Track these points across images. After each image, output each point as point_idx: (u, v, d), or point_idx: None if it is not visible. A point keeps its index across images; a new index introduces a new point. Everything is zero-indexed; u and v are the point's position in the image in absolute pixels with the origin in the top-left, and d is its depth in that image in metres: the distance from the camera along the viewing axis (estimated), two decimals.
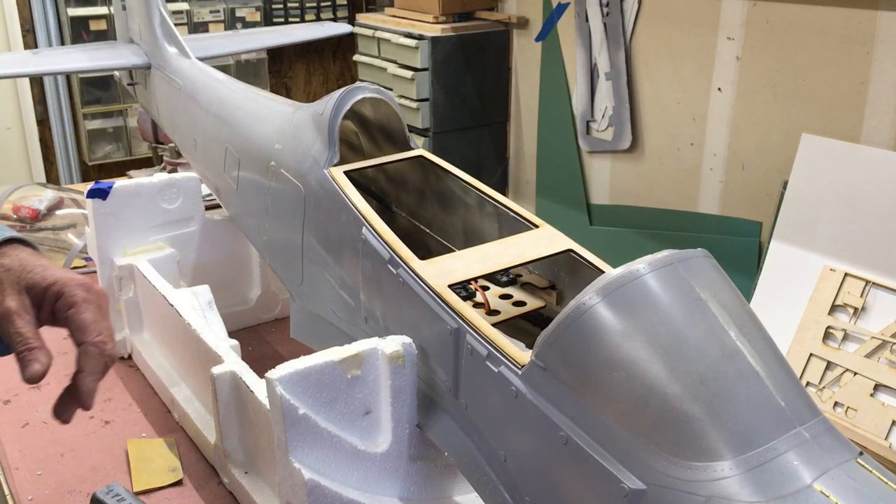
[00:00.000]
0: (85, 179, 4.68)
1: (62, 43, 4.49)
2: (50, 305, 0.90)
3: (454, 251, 1.09)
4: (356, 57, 4.60)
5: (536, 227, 1.10)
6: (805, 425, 0.71)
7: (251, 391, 1.15)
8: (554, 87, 4.01)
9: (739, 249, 3.26)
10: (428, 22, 4.17)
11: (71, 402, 0.90)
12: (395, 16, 4.39)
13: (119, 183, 1.56)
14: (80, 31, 4.45)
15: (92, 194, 1.54)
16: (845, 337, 2.23)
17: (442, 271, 1.00)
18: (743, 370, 0.73)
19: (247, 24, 4.88)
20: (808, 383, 2.23)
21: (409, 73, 4.13)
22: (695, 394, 0.71)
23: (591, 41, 3.72)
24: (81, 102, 4.55)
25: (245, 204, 1.49)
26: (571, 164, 3.97)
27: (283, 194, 1.31)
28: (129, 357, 1.63)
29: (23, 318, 0.88)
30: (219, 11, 4.80)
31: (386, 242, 1.05)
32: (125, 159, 4.70)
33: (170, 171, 2.14)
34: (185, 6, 4.69)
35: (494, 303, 1.10)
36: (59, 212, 2.22)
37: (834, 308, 2.29)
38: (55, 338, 1.77)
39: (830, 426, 0.73)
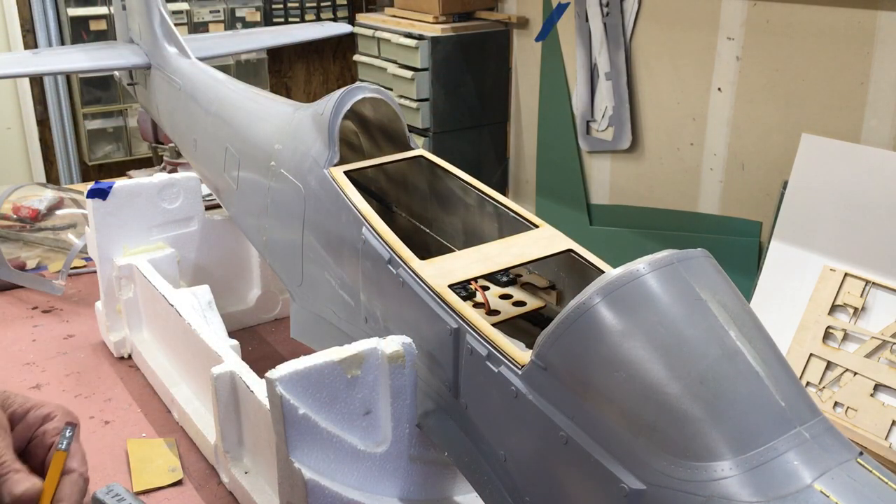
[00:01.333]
0: (85, 179, 4.68)
1: (62, 43, 4.49)
2: (31, 429, 0.84)
3: (454, 251, 1.09)
4: (356, 57, 4.60)
5: (536, 227, 1.10)
6: (805, 425, 0.71)
7: (251, 391, 1.15)
8: (554, 87, 4.01)
9: (739, 249, 3.26)
10: (428, 22, 4.17)
11: None
12: (395, 16, 4.39)
13: (119, 183, 1.56)
14: (80, 31, 4.45)
15: (92, 194, 1.54)
16: (845, 337, 2.23)
17: (442, 271, 1.00)
18: (743, 370, 0.73)
19: (247, 24, 4.88)
20: (808, 383, 2.23)
21: (409, 73, 4.13)
22: (695, 394, 0.71)
23: (591, 41, 3.72)
24: (81, 102, 4.56)
25: (245, 204, 1.49)
26: (571, 164, 3.97)
27: (283, 194, 1.31)
28: (129, 357, 1.63)
29: (3, 439, 0.81)
30: (219, 11, 4.80)
31: (386, 242, 1.05)
32: (125, 159, 4.70)
33: (170, 171, 2.15)
34: (185, 6, 4.69)
35: (494, 303, 1.10)
36: (59, 212, 2.22)
37: (834, 308, 2.29)
38: (54, 337, 1.79)
39: (830, 426, 0.73)
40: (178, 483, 1.29)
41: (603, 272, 0.97)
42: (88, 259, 1.98)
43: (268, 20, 4.94)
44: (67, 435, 0.82)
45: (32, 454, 0.83)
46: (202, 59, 1.95)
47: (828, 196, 2.50)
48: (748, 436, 0.70)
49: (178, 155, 2.49)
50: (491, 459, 0.89)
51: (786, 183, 2.65)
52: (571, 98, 3.92)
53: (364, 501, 0.99)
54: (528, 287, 1.14)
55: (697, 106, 3.36)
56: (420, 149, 1.29)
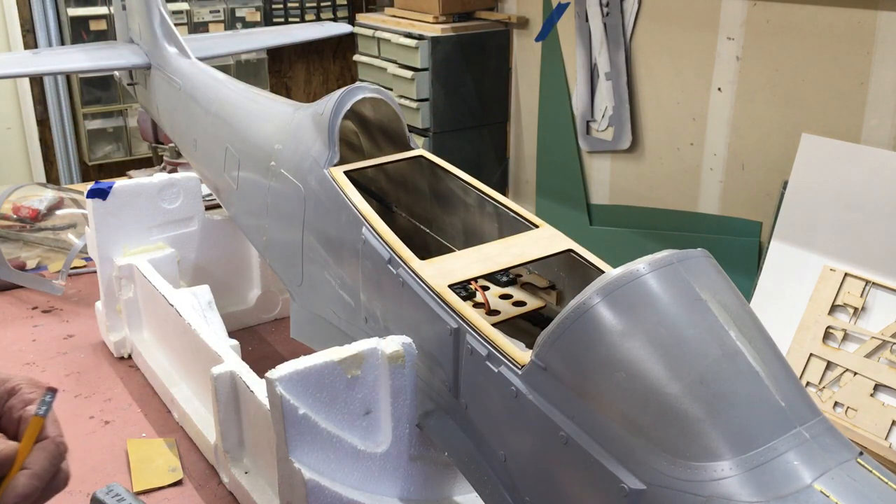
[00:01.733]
0: (85, 179, 4.68)
1: (62, 43, 4.49)
2: None
3: (454, 251, 1.09)
4: (356, 57, 4.60)
5: (536, 227, 1.10)
6: (805, 425, 0.71)
7: (251, 391, 1.15)
8: (554, 87, 4.00)
9: (739, 249, 3.26)
10: (428, 22, 4.16)
11: None
12: (395, 16, 4.39)
13: (119, 183, 1.56)
14: (80, 31, 4.45)
15: (92, 194, 1.54)
16: (845, 337, 2.23)
17: (442, 271, 1.00)
18: (743, 370, 0.73)
19: (247, 24, 4.88)
20: (808, 383, 2.23)
21: (409, 73, 4.13)
22: (695, 394, 0.71)
23: (591, 41, 3.72)
24: (81, 102, 4.55)
25: (245, 204, 1.49)
26: (571, 164, 3.97)
27: (283, 194, 1.31)
28: (129, 357, 1.63)
29: None
30: (219, 11, 4.80)
31: (386, 242, 1.05)
32: (125, 159, 4.69)
33: (170, 171, 2.14)
34: (185, 6, 4.69)
35: (494, 303, 1.10)
36: (59, 212, 2.22)
37: (834, 308, 2.29)
38: (54, 337, 1.79)
39: (830, 426, 0.73)
40: (178, 483, 1.29)
41: (603, 272, 0.97)
42: (88, 259, 1.98)
43: (268, 20, 4.94)
44: (47, 400, 0.79)
45: (2, 430, 0.80)
46: (202, 59, 1.95)
47: (828, 196, 2.50)
48: (748, 436, 0.70)
49: (178, 155, 2.49)
50: (491, 459, 0.89)
51: (786, 183, 2.65)
52: (571, 98, 3.92)
53: (364, 501, 0.99)
54: (528, 287, 1.14)
55: (697, 106, 3.36)
56: (420, 149, 1.29)
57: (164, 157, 2.57)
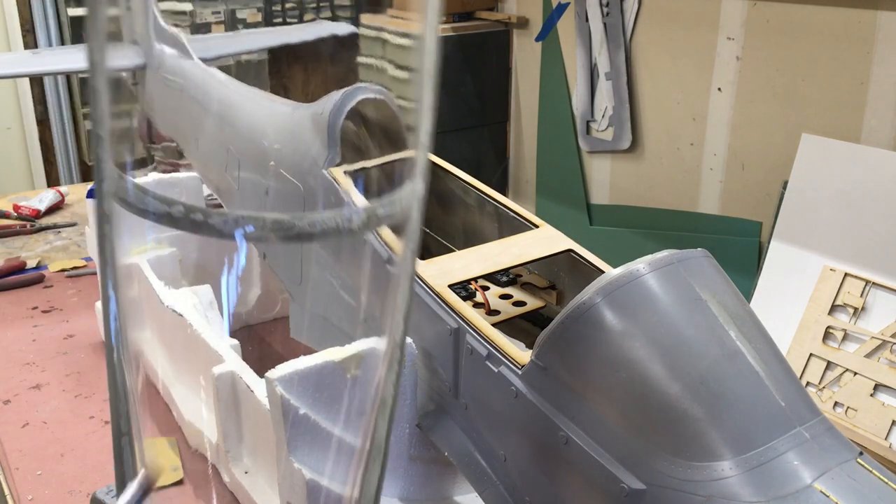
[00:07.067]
0: (85, 179, 4.68)
1: (62, 43, 4.49)
2: None
3: (454, 251, 1.09)
4: (356, 57, 4.60)
5: (536, 227, 1.10)
6: (805, 425, 0.71)
7: (251, 391, 1.15)
8: (554, 87, 4.00)
9: (739, 249, 3.26)
10: None
11: None
12: (394, 16, 4.39)
13: None
14: (80, 31, 4.45)
15: (92, 194, 1.53)
16: (845, 337, 2.23)
17: (442, 271, 1.00)
18: (743, 370, 0.73)
19: (248, 26, 4.88)
20: (808, 383, 2.23)
21: (408, 74, 4.13)
22: (695, 394, 0.71)
23: (591, 41, 3.72)
24: (81, 102, 4.55)
25: (245, 204, 1.49)
26: (571, 164, 3.97)
27: (282, 194, 1.32)
28: None
29: None
30: (220, 13, 4.80)
31: (385, 242, 1.05)
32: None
33: (163, 171, 2.15)
34: (187, 7, 4.69)
35: (494, 303, 1.10)
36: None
37: (834, 308, 2.29)
38: (54, 337, 1.79)
39: (830, 426, 0.73)
40: (179, 483, 1.29)
41: (603, 272, 0.97)
42: (88, 259, 1.98)
43: (268, 22, 4.94)
44: None
45: None
46: (203, 60, 1.95)
47: (828, 196, 2.50)
48: (748, 436, 0.70)
49: (170, 154, 2.48)
50: (491, 459, 0.89)
51: (786, 183, 2.65)
52: (571, 98, 3.92)
53: None
54: (528, 287, 1.14)
55: (697, 106, 3.36)
56: None
57: (156, 157, 2.57)
